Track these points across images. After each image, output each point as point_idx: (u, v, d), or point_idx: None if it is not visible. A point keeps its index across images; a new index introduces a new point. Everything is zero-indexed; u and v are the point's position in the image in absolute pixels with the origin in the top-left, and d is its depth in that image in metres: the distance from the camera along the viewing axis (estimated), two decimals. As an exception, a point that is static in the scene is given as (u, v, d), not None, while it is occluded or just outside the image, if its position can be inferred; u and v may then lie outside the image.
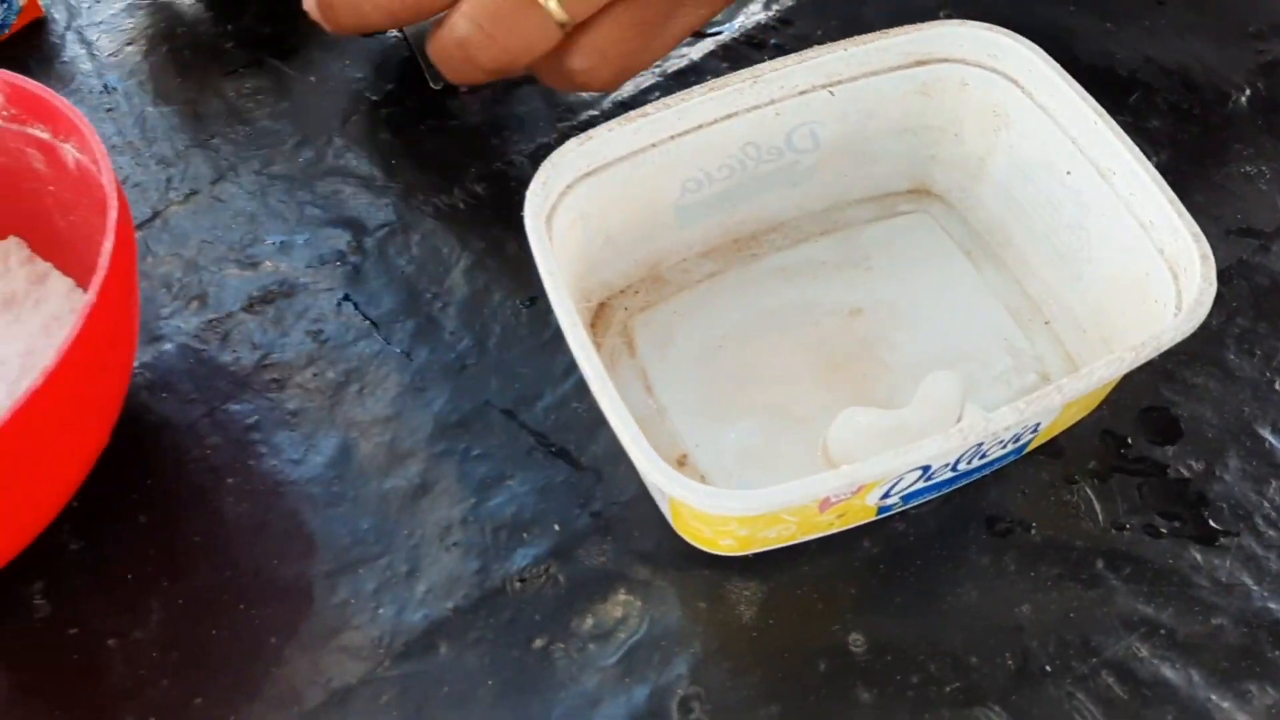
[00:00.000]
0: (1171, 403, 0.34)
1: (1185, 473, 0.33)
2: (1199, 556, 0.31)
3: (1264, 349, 0.35)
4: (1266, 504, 0.32)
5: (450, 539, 0.33)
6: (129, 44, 0.47)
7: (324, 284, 0.39)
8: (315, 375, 0.37)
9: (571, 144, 0.32)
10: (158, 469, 0.35)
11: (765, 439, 0.33)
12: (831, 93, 0.34)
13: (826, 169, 0.37)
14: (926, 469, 0.28)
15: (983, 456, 0.30)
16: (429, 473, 0.34)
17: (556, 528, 0.33)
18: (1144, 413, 0.34)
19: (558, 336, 0.36)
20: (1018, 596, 0.31)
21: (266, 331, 0.38)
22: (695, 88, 0.33)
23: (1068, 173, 0.33)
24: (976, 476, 0.32)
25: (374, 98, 0.44)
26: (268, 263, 0.40)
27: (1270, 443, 0.33)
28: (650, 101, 0.33)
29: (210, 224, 0.41)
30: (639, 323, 0.36)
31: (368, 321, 0.38)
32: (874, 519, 0.31)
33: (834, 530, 0.31)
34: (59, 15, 0.49)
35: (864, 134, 0.36)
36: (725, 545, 0.30)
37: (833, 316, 0.36)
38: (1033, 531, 0.32)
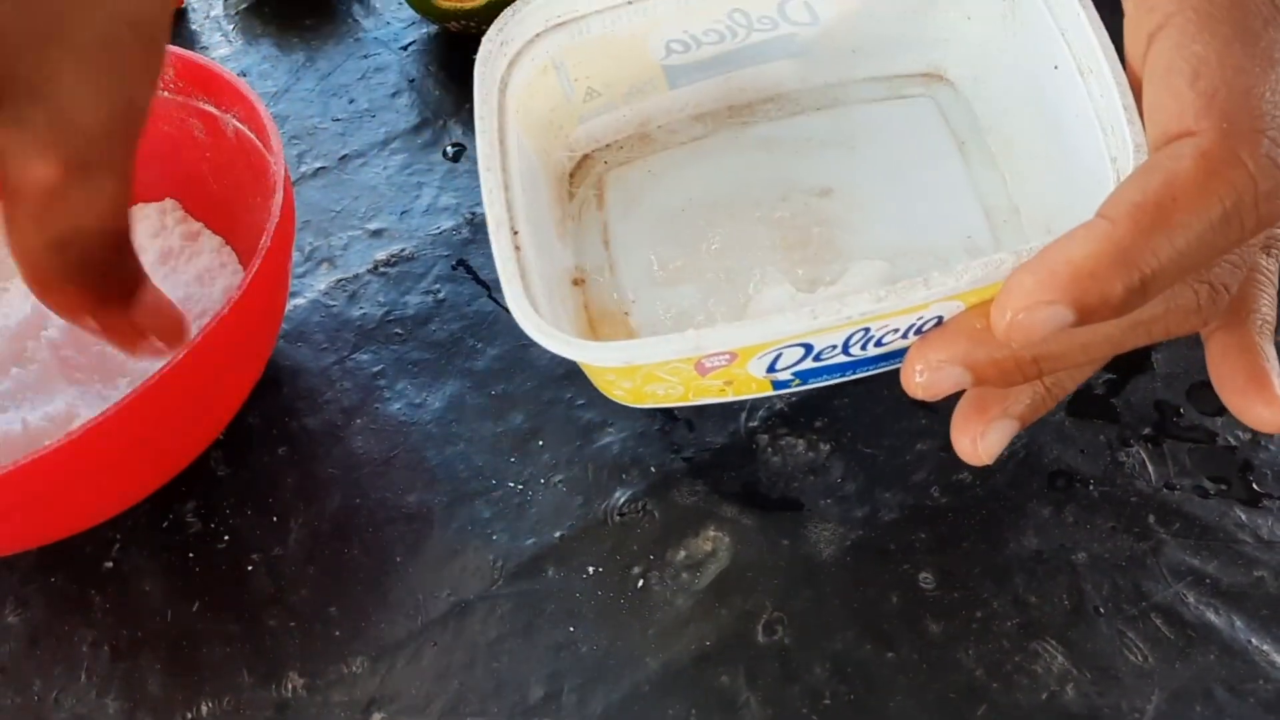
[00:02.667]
0: (1222, 378, 0.37)
1: (1232, 441, 0.35)
2: (1243, 516, 0.34)
3: (1311, 332, 0.37)
4: (1309, 470, 0.34)
5: (556, 476, 0.36)
6: (260, 34, 0.52)
7: (441, 251, 0.43)
8: (434, 330, 0.41)
9: None
10: (295, 408, 0.39)
11: (704, 306, 0.34)
12: None
13: (830, 44, 0.36)
14: (809, 348, 0.28)
15: (879, 344, 0.28)
16: (536, 418, 0.38)
17: (652, 469, 0.36)
18: (1195, 386, 0.37)
19: (654, 302, 0.40)
20: (1075, 545, 0.34)
21: (390, 291, 0.42)
22: None
23: (1055, 67, 0.31)
24: (886, 367, 0.30)
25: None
26: (390, 231, 0.44)
27: (1314, 417, 0.35)
28: None
29: (338, 196, 0.45)
30: (613, 178, 0.37)
31: (480, 285, 0.42)
32: (771, 393, 0.31)
33: (729, 398, 0.31)
34: (198, 4, 0.53)
35: (867, 11, 0.35)
36: (618, 395, 0.31)
37: (802, 194, 0.35)
38: (1090, 487, 0.35)
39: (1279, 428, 0.27)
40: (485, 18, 0.47)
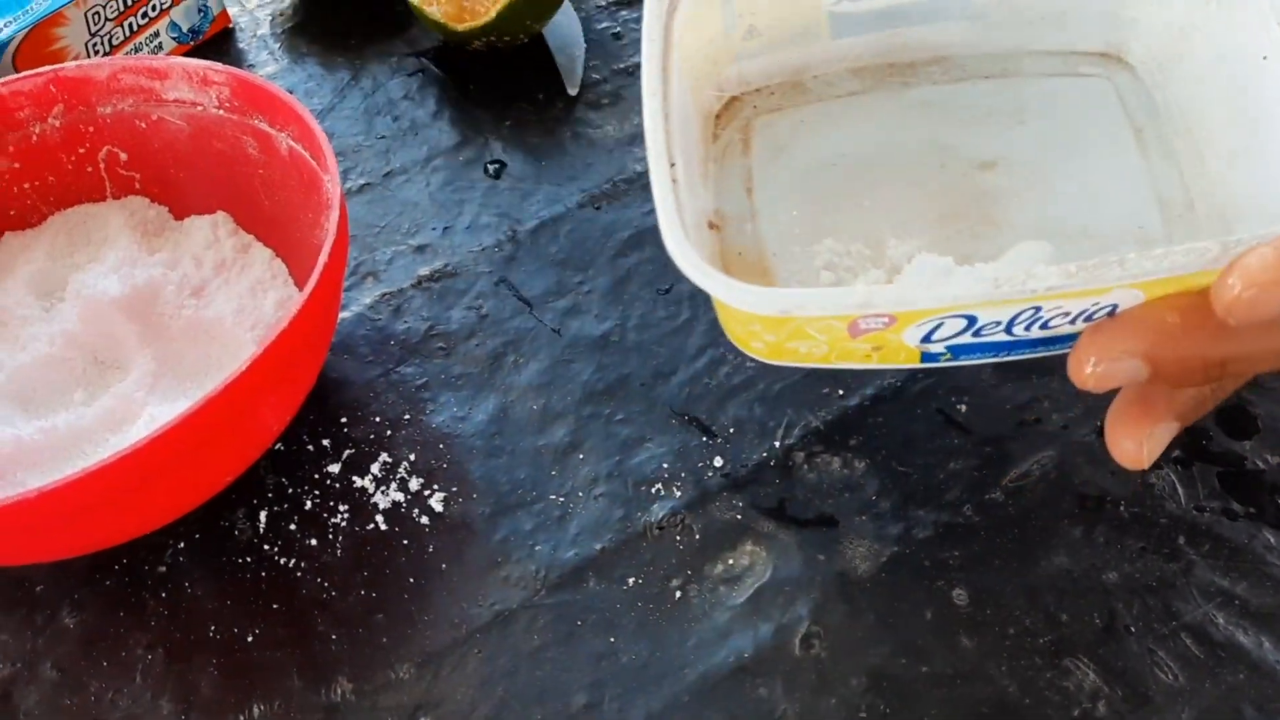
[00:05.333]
0: (1249, 401, 0.38)
1: (1261, 465, 0.36)
2: (1272, 538, 0.34)
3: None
4: (1337, 495, 0.35)
5: (597, 490, 0.37)
6: (305, 52, 0.53)
7: (483, 267, 0.44)
8: (477, 345, 0.42)
9: None
10: (341, 419, 0.40)
11: (847, 267, 0.32)
12: None
13: (1007, 9, 0.34)
14: (972, 320, 0.27)
15: (1044, 326, 0.27)
16: (577, 433, 0.39)
17: (690, 485, 0.37)
18: (1225, 410, 0.37)
19: (691, 321, 0.41)
20: (1106, 564, 0.34)
21: (433, 306, 0.43)
22: None
23: (1264, 58, 0.29)
24: (1043, 352, 0.29)
25: (525, 105, 0.49)
26: (433, 247, 0.45)
27: (1342, 442, 0.36)
28: None
29: (382, 212, 0.46)
30: (761, 124, 0.35)
31: (522, 301, 0.43)
32: (919, 365, 0.30)
33: (872, 364, 0.29)
34: (245, 25, 0.55)
35: None
36: (756, 349, 0.30)
37: (962, 163, 0.33)
38: (1121, 508, 0.35)
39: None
40: (499, 30, 0.49)
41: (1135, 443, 0.27)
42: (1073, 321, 0.27)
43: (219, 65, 0.40)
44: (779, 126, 0.35)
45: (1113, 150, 0.34)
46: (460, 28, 0.49)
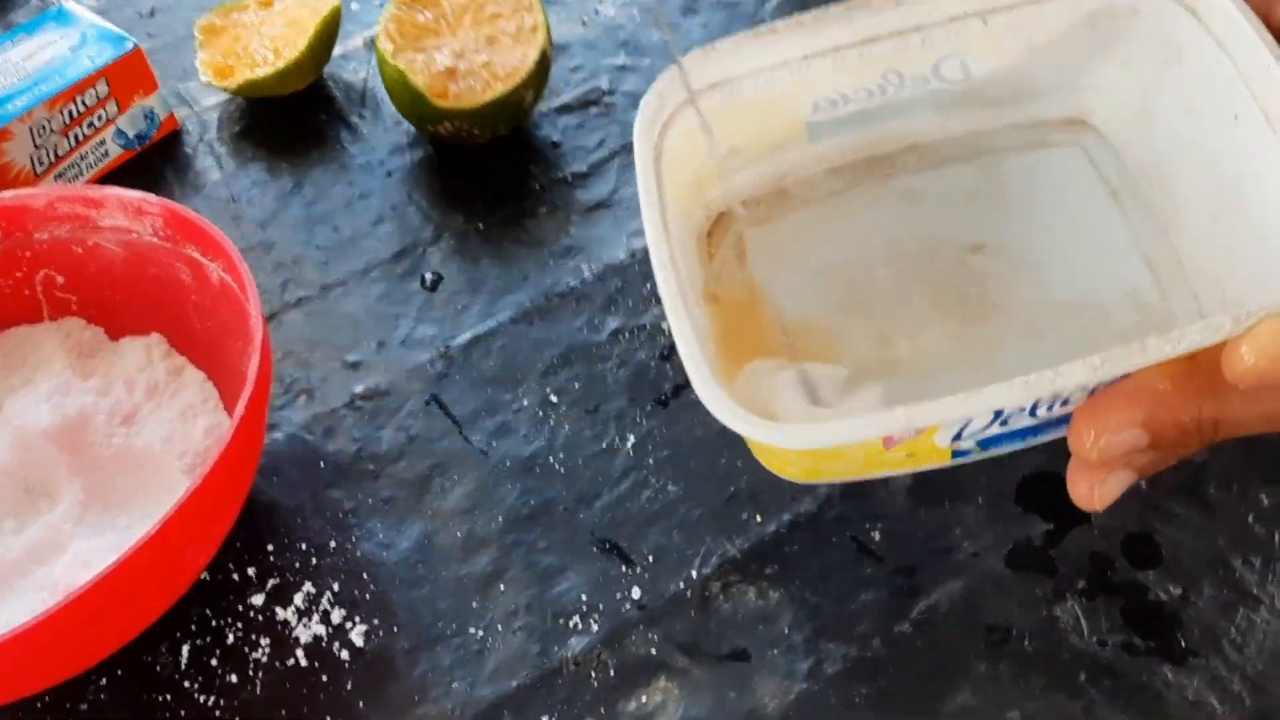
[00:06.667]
0: (1156, 529, 0.38)
1: (1163, 596, 0.37)
2: (1170, 675, 0.35)
3: (1240, 484, 0.39)
4: (1234, 630, 0.36)
5: (516, 622, 0.38)
6: (251, 158, 0.54)
7: (415, 385, 0.45)
8: (405, 467, 0.42)
9: (695, 55, 0.32)
10: (267, 547, 0.40)
11: (866, 372, 0.33)
12: (985, 21, 0.32)
13: (975, 96, 0.35)
14: (999, 413, 0.28)
15: (1065, 404, 0.28)
16: (500, 561, 0.39)
17: (608, 617, 0.38)
18: (1130, 537, 0.38)
19: (616, 442, 0.42)
20: (1009, 702, 0.35)
21: (364, 426, 0.44)
22: (832, 6, 0.32)
23: (1235, 117, 0.30)
24: (1066, 428, 0.29)
25: (466, 213, 0.50)
26: (367, 364, 0.45)
27: (1241, 574, 0.37)
28: (782, 18, 0.32)
29: (319, 325, 0.47)
30: (753, 237, 0.36)
31: (451, 421, 0.43)
32: (950, 462, 0.31)
33: (907, 469, 0.31)
34: (192, 128, 0.56)
35: (1020, 67, 0.34)
36: (793, 472, 0.31)
37: (953, 250, 0.35)
38: (1026, 643, 0.36)
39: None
40: (479, 121, 0.49)
41: (1088, 486, 0.28)
42: (1090, 392, 0.28)
43: (153, 197, 0.41)
44: (770, 237, 0.36)
45: (1094, 215, 0.35)
46: (442, 104, 0.48)
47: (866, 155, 0.38)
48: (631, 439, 0.42)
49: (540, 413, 0.43)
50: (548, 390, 0.44)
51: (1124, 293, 0.34)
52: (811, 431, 0.27)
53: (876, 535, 0.39)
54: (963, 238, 0.36)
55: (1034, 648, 0.36)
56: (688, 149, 0.34)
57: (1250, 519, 0.38)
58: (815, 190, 0.37)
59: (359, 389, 0.45)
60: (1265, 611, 0.36)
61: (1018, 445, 0.30)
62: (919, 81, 0.35)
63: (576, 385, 0.44)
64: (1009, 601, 0.37)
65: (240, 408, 0.34)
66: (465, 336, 0.46)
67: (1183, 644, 0.36)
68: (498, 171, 0.52)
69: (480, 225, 0.50)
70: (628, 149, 0.52)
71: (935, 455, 0.30)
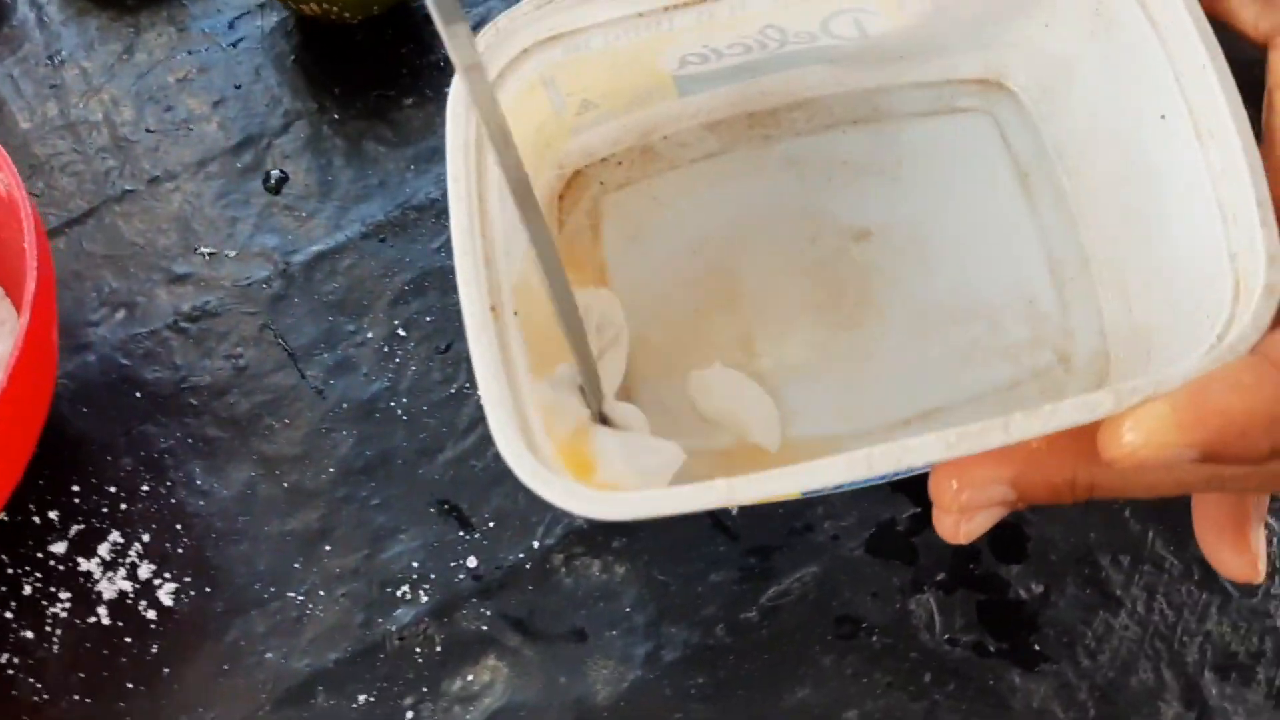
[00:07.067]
0: (1027, 520, 0.36)
1: (1023, 594, 0.35)
2: (1018, 680, 0.34)
3: (1123, 478, 0.37)
4: (1090, 634, 0.34)
5: (340, 588, 0.35)
6: (80, 13, 0.47)
7: (249, 307, 0.40)
8: (232, 403, 0.38)
9: (525, 7, 0.28)
10: (73, 487, 0.37)
11: (719, 381, 0.31)
12: None
13: (873, 53, 0.31)
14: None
15: None
16: (329, 518, 0.36)
17: (440, 587, 0.35)
18: (998, 528, 0.36)
19: (466, 389, 0.38)
20: (849, 700, 0.34)
21: (188, 351, 0.39)
22: None
23: (1161, 116, 0.26)
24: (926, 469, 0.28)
25: (323, 103, 0.44)
26: (196, 277, 0.41)
27: (1106, 572, 0.35)
28: None
29: (143, 227, 0.42)
30: (611, 203, 0.32)
31: (287, 352, 0.39)
32: (799, 498, 0.29)
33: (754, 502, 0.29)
34: (9, -29, 0.48)
35: (928, 28, 0.30)
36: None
37: (835, 235, 0.31)
38: (874, 637, 0.35)
39: (1242, 577, 0.27)
40: (352, 6, 0.43)
41: (954, 521, 0.26)
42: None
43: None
44: (630, 205, 0.32)
45: (996, 201, 0.32)
46: None
47: (746, 110, 0.33)
48: (483, 385, 0.38)
49: (386, 348, 0.39)
50: (396, 323, 0.40)
51: (1019, 299, 0.31)
52: (616, 502, 0.24)
53: (734, 510, 0.36)
54: (847, 220, 0.32)
55: (882, 644, 0.34)
56: (529, 105, 0.29)
57: (1126, 513, 0.36)
58: (686, 150, 0.33)
59: (185, 307, 0.40)
60: (1125, 616, 0.35)
61: (870, 483, 0.28)
62: (804, 37, 0.30)
63: (428, 319, 0.40)
64: (863, 591, 0.35)
65: (20, 333, 0.30)
66: (309, 251, 0.41)
67: (1035, 647, 0.34)
68: (363, 50, 0.45)
69: (336, 116, 0.44)
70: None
71: (782, 495, 0.27)
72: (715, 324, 0.31)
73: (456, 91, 0.28)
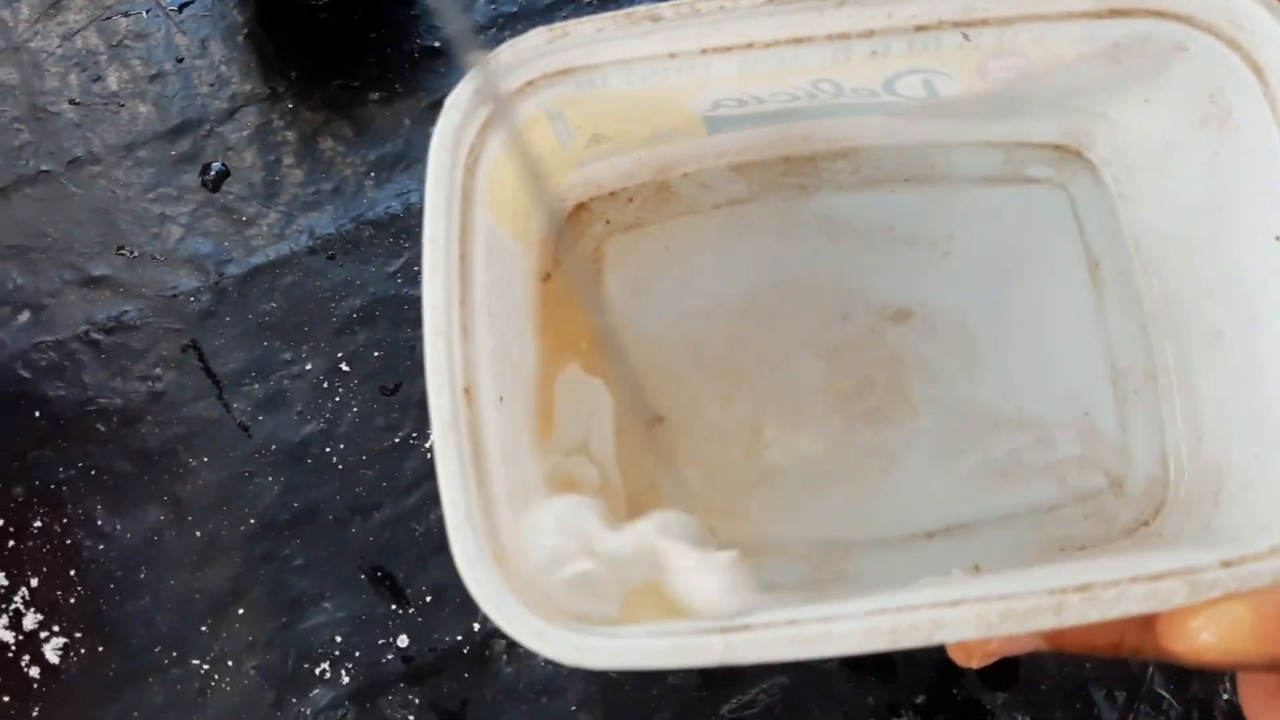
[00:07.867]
0: (1018, 640, 0.33)
1: (1008, 726, 0.32)
2: (993, 825, 0.31)
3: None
4: (1075, 779, 0.32)
5: (250, 661, 0.31)
6: (2, -46, 0.41)
7: (171, 322, 0.35)
8: (143, 433, 0.34)
9: (535, 38, 0.23)
10: (-47, 517, 0.32)
11: (720, 477, 0.27)
12: (967, 36, 0.23)
13: (940, 109, 0.27)
14: None
15: None
16: (243, 577, 0.32)
17: (364, 669, 0.31)
18: (987, 648, 0.33)
19: (412, 439, 0.34)
20: (807, 832, 0.31)
21: (99, 369, 0.35)
22: None
23: (1276, 238, 0.23)
24: None
25: (271, 88, 0.39)
26: (113, 281, 0.36)
27: (1100, 709, 0.32)
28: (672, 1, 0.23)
29: (58, 217, 0.37)
30: (617, 246, 0.28)
31: (211, 379, 0.35)
32: None
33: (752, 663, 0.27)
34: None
35: (1008, 94, 0.25)
36: None
37: (870, 312, 0.27)
38: (841, 764, 0.31)
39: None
40: None
41: (965, 652, 0.24)
42: None
43: None
44: (639, 250, 0.28)
45: (1059, 291, 0.27)
46: None
47: (782, 154, 0.28)
48: (431, 438, 0.34)
49: (325, 383, 0.35)
50: (339, 355, 0.35)
51: (1073, 409, 0.27)
52: (591, 650, 0.20)
53: (701, 603, 0.33)
54: (885, 296, 0.27)
55: (850, 771, 0.31)
56: (537, 139, 0.25)
57: (1123, 640, 0.33)
58: (709, 193, 0.28)
59: (99, 316, 0.35)
60: (1113, 758, 0.32)
61: None
62: (863, 94, 0.25)
63: (376, 354, 0.35)
64: (834, 711, 0.32)
65: None
66: (247, 263, 0.36)
67: (1009, 790, 0.31)
68: (327, 31, 0.40)
69: (290, 105, 0.39)
70: (499, 22, 0.41)
71: None
72: (721, 402, 0.27)
73: (443, 135, 0.23)
